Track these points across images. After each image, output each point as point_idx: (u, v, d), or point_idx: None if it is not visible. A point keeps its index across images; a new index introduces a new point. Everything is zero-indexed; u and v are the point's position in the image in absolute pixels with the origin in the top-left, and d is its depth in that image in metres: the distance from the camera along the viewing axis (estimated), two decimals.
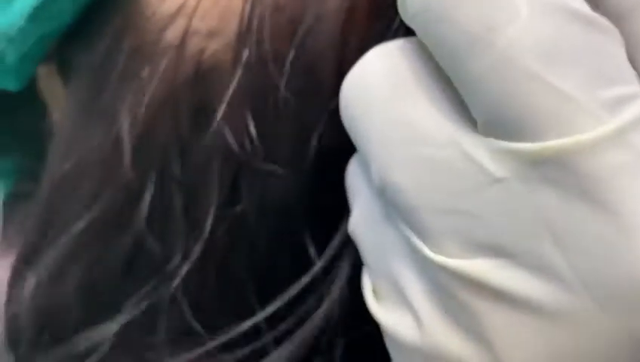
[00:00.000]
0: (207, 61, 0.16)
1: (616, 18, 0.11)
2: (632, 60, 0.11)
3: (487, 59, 0.11)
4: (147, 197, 0.16)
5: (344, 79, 0.13)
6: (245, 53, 0.15)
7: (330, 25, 0.16)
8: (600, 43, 0.11)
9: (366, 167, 0.13)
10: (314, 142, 0.15)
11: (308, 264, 0.15)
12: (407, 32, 0.13)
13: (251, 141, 0.15)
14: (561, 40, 0.11)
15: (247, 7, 0.16)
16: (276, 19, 0.16)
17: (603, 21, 0.11)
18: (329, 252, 0.15)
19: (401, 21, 0.13)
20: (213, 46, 0.16)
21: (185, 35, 0.16)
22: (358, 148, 0.13)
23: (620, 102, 0.10)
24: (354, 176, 0.14)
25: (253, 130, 0.15)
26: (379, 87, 0.12)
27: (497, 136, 0.11)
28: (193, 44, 0.16)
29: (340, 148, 0.14)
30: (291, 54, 0.15)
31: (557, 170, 0.10)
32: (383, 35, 0.15)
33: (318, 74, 0.16)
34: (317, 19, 0.16)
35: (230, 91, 0.15)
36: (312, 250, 0.15)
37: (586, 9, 0.11)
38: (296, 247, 0.16)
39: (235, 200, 0.16)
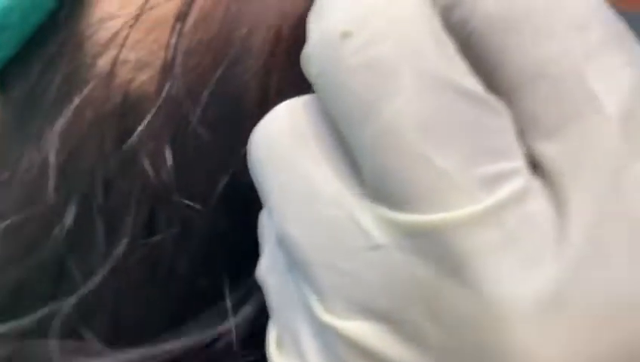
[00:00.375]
0: (134, 91, 0.16)
1: (507, 92, 0.12)
2: (521, 134, 0.11)
3: (372, 128, 0.11)
4: (68, 221, 0.16)
5: (254, 130, 0.13)
6: (167, 86, 0.16)
7: (252, 63, 0.16)
8: (484, 118, 0.11)
9: None
10: (229, 180, 0.15)
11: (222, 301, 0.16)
12: None
13: (168, 174, 0.16)
14: (444, 115, 0.11)
15: (173, 40, 0.16)
16: (200, 54, 0.16)
17: (489, 97, 0.11)
18: (240, 293, 0.15)
19: None
20: (142, 77, 0.16)
21: (114, 64, 0.16)
22: (261, 197, 0.13)
23: (497, 180, 0.11)
24: (265, 221, 0.14)
25: (170, 163, 0.16)
26: (282, 143, 0.13)
27: (381, 203, 0.11)
28: (123, 74, 0.16)
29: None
30: (211, 90, 0.16)
31: (429, 244, 0.10)
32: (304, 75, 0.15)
33: (239, 111, 0.16)
34: (239, 57, 0.16)
35: (151, 122, 0.16)
36: (226, 290, 0.16)
37: (473, 84, 0.11)
38: (212, 283, 0.16)
39: (153, 231, 0.16)
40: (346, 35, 0.11)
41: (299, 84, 0.14)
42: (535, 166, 0.11)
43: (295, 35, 0.16)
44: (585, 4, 0.12)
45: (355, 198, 0.12)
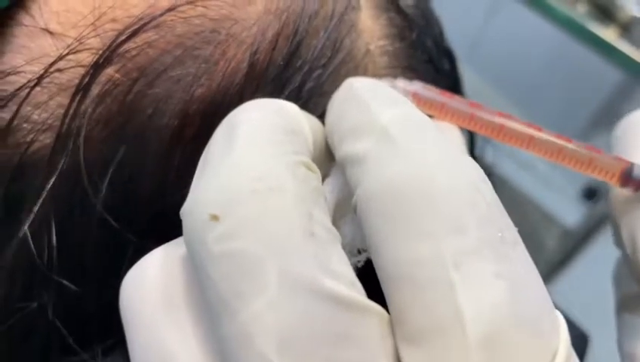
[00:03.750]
0: (32, 155, 0.15)
1: (383, 282, 0.11)
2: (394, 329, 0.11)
3: (229, 328, 0.10)
4: None
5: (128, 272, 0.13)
6: (61, 162, 0.15)
7: (153, 145, 0.15)
8: (346, 326, 0.10)
9: None
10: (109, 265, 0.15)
11: None
12: None
13: (50, 252, 0.15)
14: (301, 325, 0.10)
15: (70, 113, 0.15)
16: (99, 129, 0.15)
17: (357, 298, 0.11)
18: None
19: None
20: (45, 140, 0.15)
21: (13, 119, 0.15)
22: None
23: None
24: None
25: (54, 241, 0.15)
26: (149, 302, 0.12)
27: None
28: (24, 133, 0.15)
29: None
30: (107, 169, 0.15)
31: None
32: None
33: (134, 194, 0.15)
34: (140, 138, 0.15)
35: (40, 198, 0.15)
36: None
37: (340, 285, 0.11)
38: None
39: (31, 297, 0.15)
40: (213, 218, 0.11)
41: None
42: None
43: (202, 122, 0.15)
44: (465, 202, 0.11)
45: None
